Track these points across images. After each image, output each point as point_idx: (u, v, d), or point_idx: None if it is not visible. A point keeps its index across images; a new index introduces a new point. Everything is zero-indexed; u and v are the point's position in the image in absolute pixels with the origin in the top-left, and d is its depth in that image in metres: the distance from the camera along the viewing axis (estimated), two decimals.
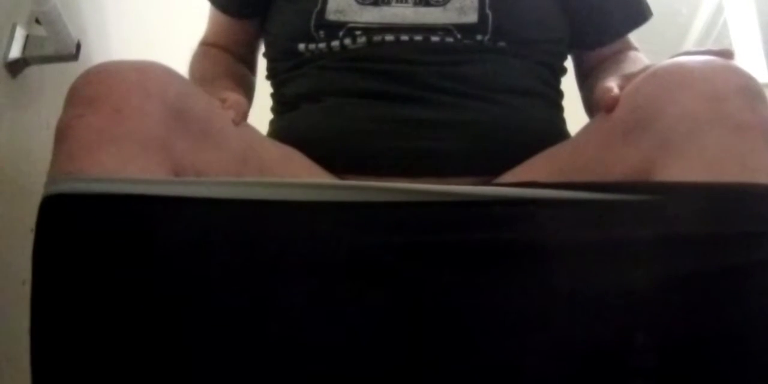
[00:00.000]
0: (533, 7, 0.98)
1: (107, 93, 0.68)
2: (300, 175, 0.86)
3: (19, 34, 1.00)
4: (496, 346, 0.63)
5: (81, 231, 0.63)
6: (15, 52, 0.99)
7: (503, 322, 0.63)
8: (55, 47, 1.02)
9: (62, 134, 0.67)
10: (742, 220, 0.62)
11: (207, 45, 1.12)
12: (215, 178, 0.73)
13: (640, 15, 1.07)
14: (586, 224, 0.63)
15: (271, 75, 1.05)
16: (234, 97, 0.86)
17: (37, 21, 1.02)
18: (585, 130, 0.85)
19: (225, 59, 1.10)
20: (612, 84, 0.80)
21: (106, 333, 0.62)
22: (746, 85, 0.68)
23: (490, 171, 0.87)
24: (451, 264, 0.63)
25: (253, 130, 0.89)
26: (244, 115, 0.88)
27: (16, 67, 1.00)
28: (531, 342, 0.62)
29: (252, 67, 1.14)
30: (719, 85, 0.67)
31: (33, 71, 1.04)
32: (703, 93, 0.67)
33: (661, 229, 0.62)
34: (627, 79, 0.80)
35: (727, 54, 0.75)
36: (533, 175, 0.83)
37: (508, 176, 0.87)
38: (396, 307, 0.63)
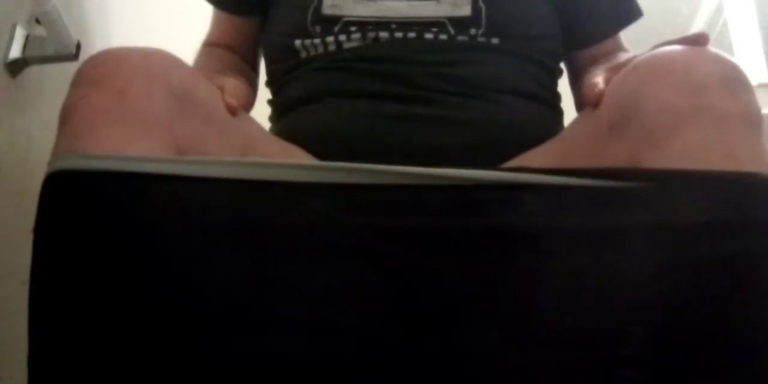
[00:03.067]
0: (525, 2, 0.98)
1: (112, 75, 0.68)
2: None
3: (19, 34, 1.00)
4: (483, 332, 0.63)
5: (83, 207, 0.64)
6: (15, 52, 0.99)
7: (490, 307, 0.63)
8: (55, 47, 1.02)
9: (66, 114, 0.68)
10: (732, 208, 0.62)
11: (210, 45, 1.13)
12: (214, 157, 0.73)
13: (630, 13, 1.07)
14: (575, 210, 0.63)
15: (271, 80, 1.06)
16: (232, 83, 0.85)
17: (37, 21, 1.02)
18: (573, 126, 0.85)
19: (228, 57, 1.10)
20: (598, 79, 0.80)
21: (106, 311, 0.62)
22: (727, 74, 0.67)
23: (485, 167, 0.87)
24: (439, 248, 0.64)
25: (254, 124, 0.90)
26: (245, 103, 0.88)
27: (16, 67, 1.00)
28: (519, 328, 0.62)
29: (255, 67, 1.14)
30: (699, 76, 0.67)
31: (33, 71, 1.04)
32: (683, 85, 0.67)
33: (651, 216, 0.62)
34: (612, 70, 0.80)
35: (701, 39, 0.72)
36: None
37: None
38: (388, 289, 0.63)
